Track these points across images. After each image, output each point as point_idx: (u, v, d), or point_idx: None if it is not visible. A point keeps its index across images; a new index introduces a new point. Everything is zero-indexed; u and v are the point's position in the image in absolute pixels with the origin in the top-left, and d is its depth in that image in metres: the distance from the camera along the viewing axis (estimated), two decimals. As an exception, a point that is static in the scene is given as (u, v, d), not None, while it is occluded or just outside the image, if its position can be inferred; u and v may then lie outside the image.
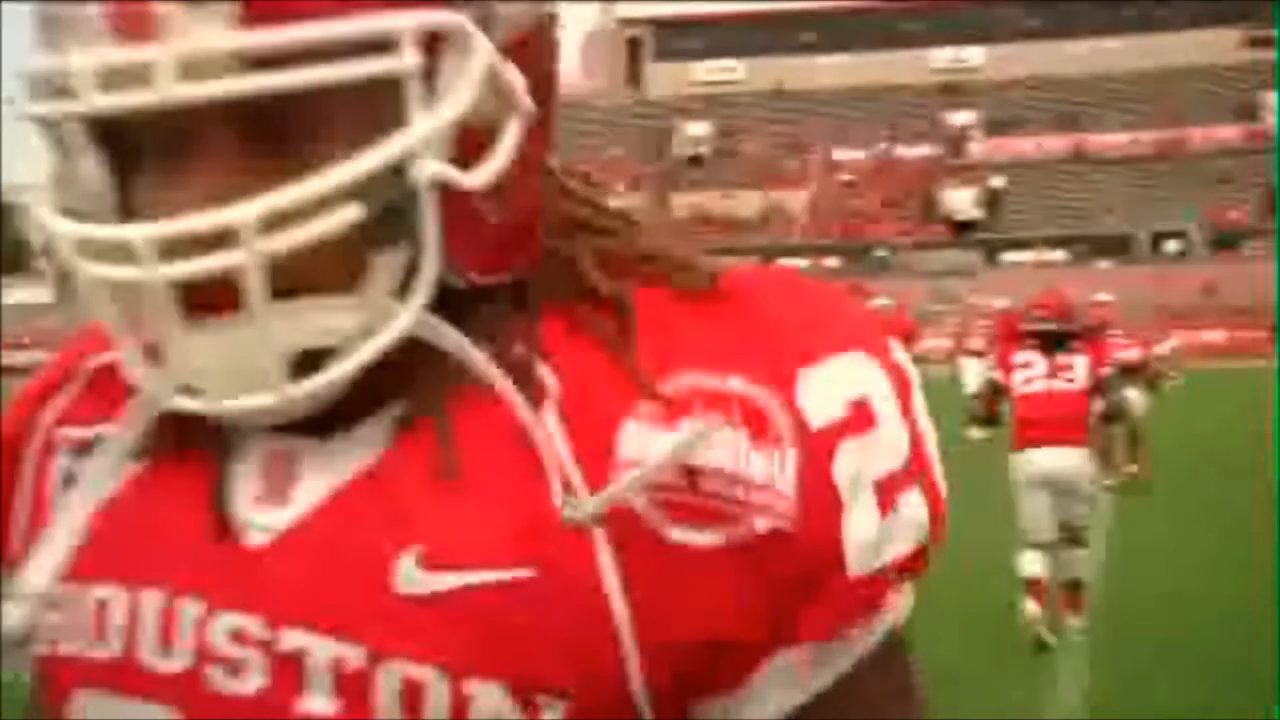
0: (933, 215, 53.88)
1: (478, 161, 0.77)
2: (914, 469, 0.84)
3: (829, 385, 0.81)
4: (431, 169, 0.74)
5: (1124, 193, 51.22)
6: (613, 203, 0.90)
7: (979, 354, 16.72)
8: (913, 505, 0.84)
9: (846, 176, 56.83)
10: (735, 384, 0.79)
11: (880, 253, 49.67)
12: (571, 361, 0.80)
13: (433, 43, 0.74)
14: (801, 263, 50.69)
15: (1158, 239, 48.12)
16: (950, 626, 6.90)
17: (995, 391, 7.51)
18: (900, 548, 0.83)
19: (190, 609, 0.79)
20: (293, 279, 0.73)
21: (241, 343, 0.74)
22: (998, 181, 54.53)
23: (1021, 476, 7.11)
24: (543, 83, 0.82)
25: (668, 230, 0.89)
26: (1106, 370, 7.40)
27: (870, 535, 0.81)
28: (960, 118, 59.95)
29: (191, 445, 0.83)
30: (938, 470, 0.87)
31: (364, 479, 0.79)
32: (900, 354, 0.88)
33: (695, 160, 60.05)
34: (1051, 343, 7.28)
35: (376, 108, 0.74)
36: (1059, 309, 7.52)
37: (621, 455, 0.77)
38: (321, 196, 0.72)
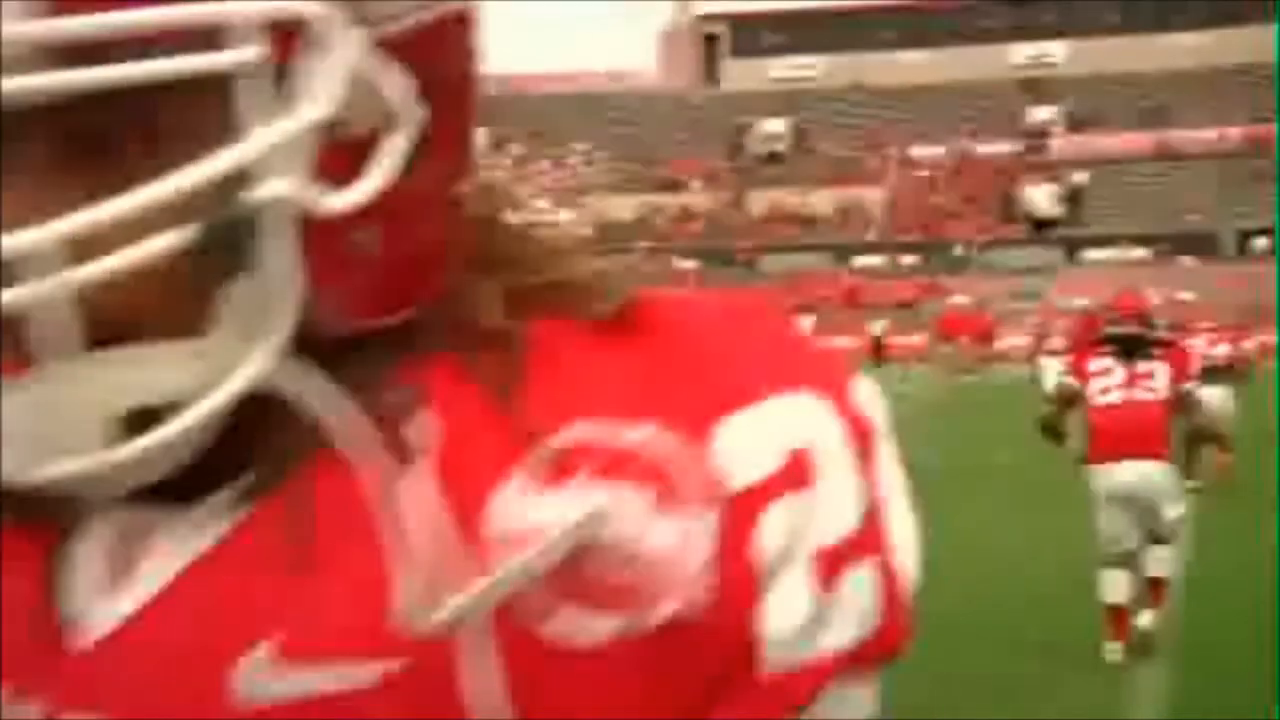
0: (1012, 213, 53.27)
1: (352, 182, 0.66)
2: (867, 539, 0.70)
3: (760, 433, 0.68)
4: (275, 188, 0.63)
5: (1209, 190, 50.30)
6: (541, 219, 0.76)
7: (1059, 354, 16.51)
8: (860, 585, 0.69)
9: (925, 173, 56.34)
10: (641, 435, 0.67)
11: (958, 250, 49.19)
12: (456, 413, 0.68)
13: (288, 37, 0.63)
14: (879, 260, 50.42)
15: (1244, 237, 47.22)
16: (1027, 641, 6.84)
17: (1069, 400, 7.11)
18: (840, 636, 0.69)
19: (33, 712, 0.68)
20: (114, 321, 0.63)
21: (48, 401, 0.62)
22: (1079, 178, 53.81)
23: (1099, 492, 6.77)
24: (446, 88, 0.70)
25: (589, 250, 0.78)
26: (1190, 384, 6.98)
27: (798, 620, 0.67)
28: (1041, 114, 59.20)
29: (28, 518, 0.70)
30: (904, 543, 0.73)
31: (211, 559, 0.68)
32: (866, 396, 0.74)
33: (772, 157, 59.83)
34: (1130, 349, 6.90)
35: (221, 114, 0.63)
36: (1137, 311, 7.15)
37: (492, 528, 0.65)
38: (140, 218, 0.61)
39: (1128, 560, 6.69)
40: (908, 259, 49.69)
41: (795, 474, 0.68)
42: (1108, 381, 6.86)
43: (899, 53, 63.24)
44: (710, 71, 66.65)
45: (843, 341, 43.29)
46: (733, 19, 65.94)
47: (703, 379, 0.69)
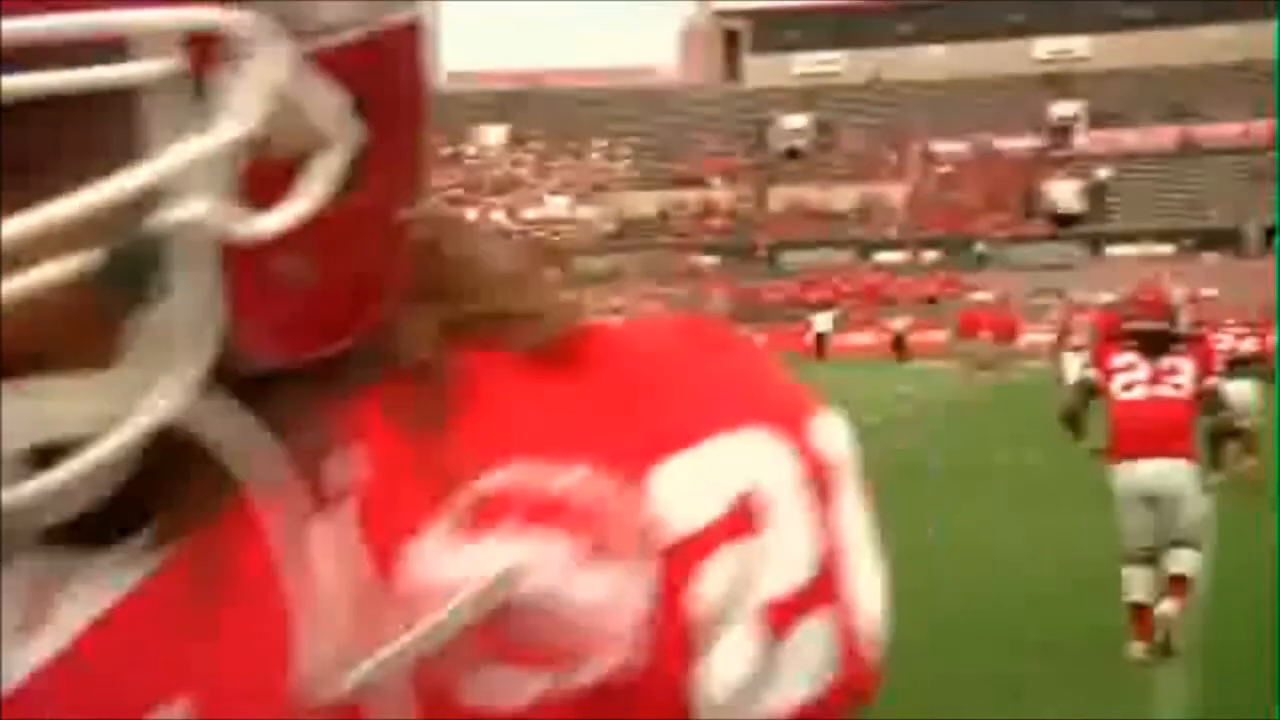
0: (1035, 208, 53.06)
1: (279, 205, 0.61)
2: (822, 589, 0.65)
3: (703, 475, 0.63)
4: (189, 210, 0.58)
5: (1234, 185, 50.00)
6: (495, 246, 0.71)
7: (1081, 350, 16.43)
8: (814, 637, 0.64)
9: (947, 169, 56.16)
10: (572, 478, 0.62)
11: (980, 247, 49.02)
12: (381, 454, 0.63)
13: (206, 48, 0.59)
14: (900, 256, 50.30)
15: (1269, 232, 46.92)
16: (1045, 640, 6.79)
17: (1089, 393, 6.92)
18: (790, 694, 0.64)
19: None
20: (14, 352, 0.58)
21: None
22: (1102, 174, 53.57)
23: (1122, 490, 6.61)
24: (390, 106, 0.65)
25: (538, 272, 0.72)
26: (1213, 380, 6.84)
27: (741, 678, 0.62)
28: (1064, 109, 58.96)
29: None
30: (868, 590, 0.67)
31: (118, 613, 0.63)
32: (829, 433, 0.68)
33: (793, 153, 59.73)
34: (1154, 345, 6.69)
35: (131, 131, 0.58)
36: (1159, 306, 6.94)
37: (411, 581, 0.60)
38: (41, 242, 0.56)
39: (1150, 558, 6.55)
40: (929, 255, 49.55)
41: (741, 520, 0.63)
42: (1131, 377, 6.67)
43: (922, 48, 63.04)
44: (731, 67, 66.57)
45: (864, 338, 43.31)
46: (753, 15, 65.83)
47: (644, 416, 0.64)
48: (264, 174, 0.60)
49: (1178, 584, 6.52)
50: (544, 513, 0.61)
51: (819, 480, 0.66)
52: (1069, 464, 9.73)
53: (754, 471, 0.64)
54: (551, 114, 63.98)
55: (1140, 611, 6.49)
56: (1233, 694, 5.72)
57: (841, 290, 47.29)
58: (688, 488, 0.62)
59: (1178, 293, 7.50)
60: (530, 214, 57.53)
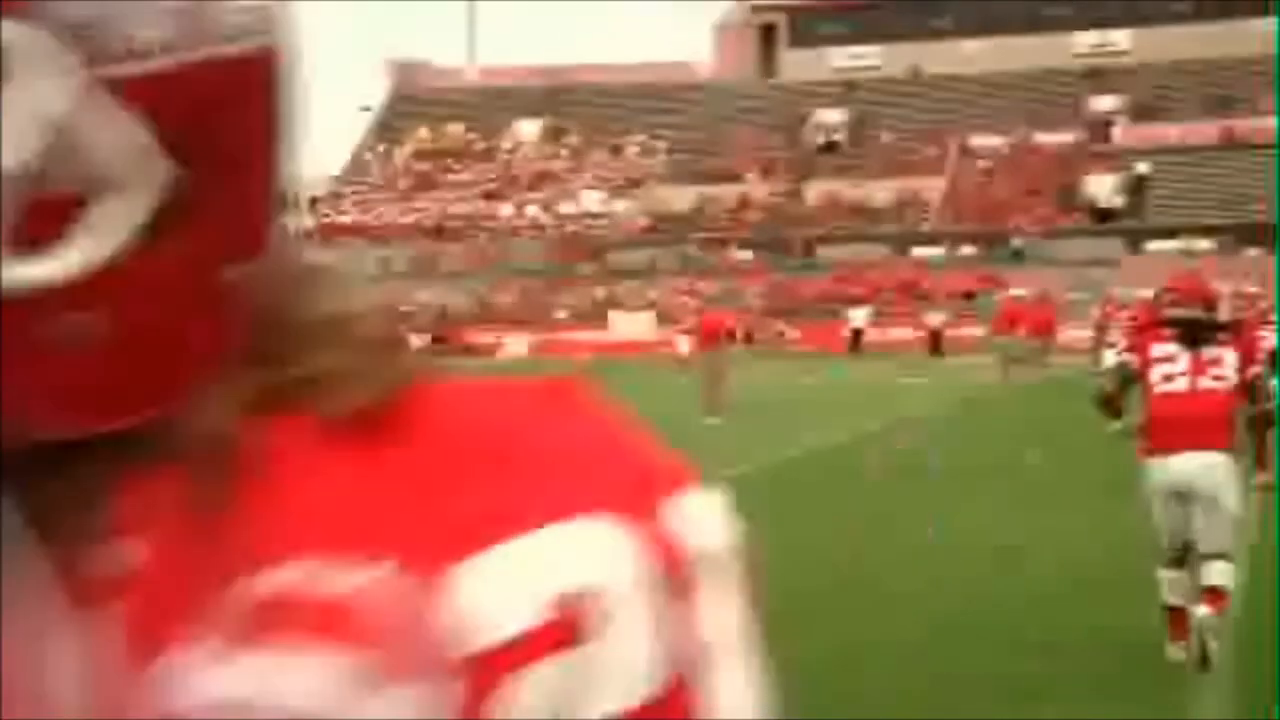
0: (1073, 203, 52.62)
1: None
2: (672, 702, 0.56)
3: (522, 573, 0.55)
4: None
5: (1275, 179, 49.37)
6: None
7: (1116, 345, 16.20)
8: None
9: (985, 163, 55.76)
10: (364, 577, 0.54)
11: (1018, 242, 48.64)
12: (159, 546, 0.56)
13: None
14: (937, 251, 49.98)
15: (1312, 227, 46.38)
16: (1078, 641, 6.64)
17: (1127, 379, 6.56)
18: None
19: None
20: None
21: None
22: (1142, 168, 53.06)
23: (1157, 486, 6.30)
24: (217, 148, 0.56)
25: (387, 329, 0.62)
26: (1258, 369, 6.49)
27: None
28: (1104, 103, 58.43)
29: None
30: (733, 698, 0.58)
31: None
32: (697, 517, 0.59)
33: (829, 148, 59.45)
34: (1195, 334, 6.36)
35: None
36: (1201, 293, 6.58)
37: (167, 701, 0.53)
38: None
39: (1185, 557, 6.29)
40: (966, 250, 49.21)
41: (565, 627, 0.54)
42: (1171, 368, 6.35)
43: (960, 41, 62.61)
44: (768, 62, 66.32)
45: (900, 334, 43.08)
46: (790, 9, 65.55)
47: (458, 499, 0.56)
48: (43, 215, 0.52)
49: (1215, 594, 6.22)
50: (327, 621, 0.53)
51: (674, 576, 0.57)
52: (1108, 459, 9.56)
53: (585, 568, 0.55)
54: (587, 109, 63.91)
55: (1175, 613, 6.33)
56: (1261, 698, 5.57)
57: (878, 286, 47.04)
58: (500, 588, 0.54)
59: (1217, 284, 7.17)
60: (565, 209, 57.49)
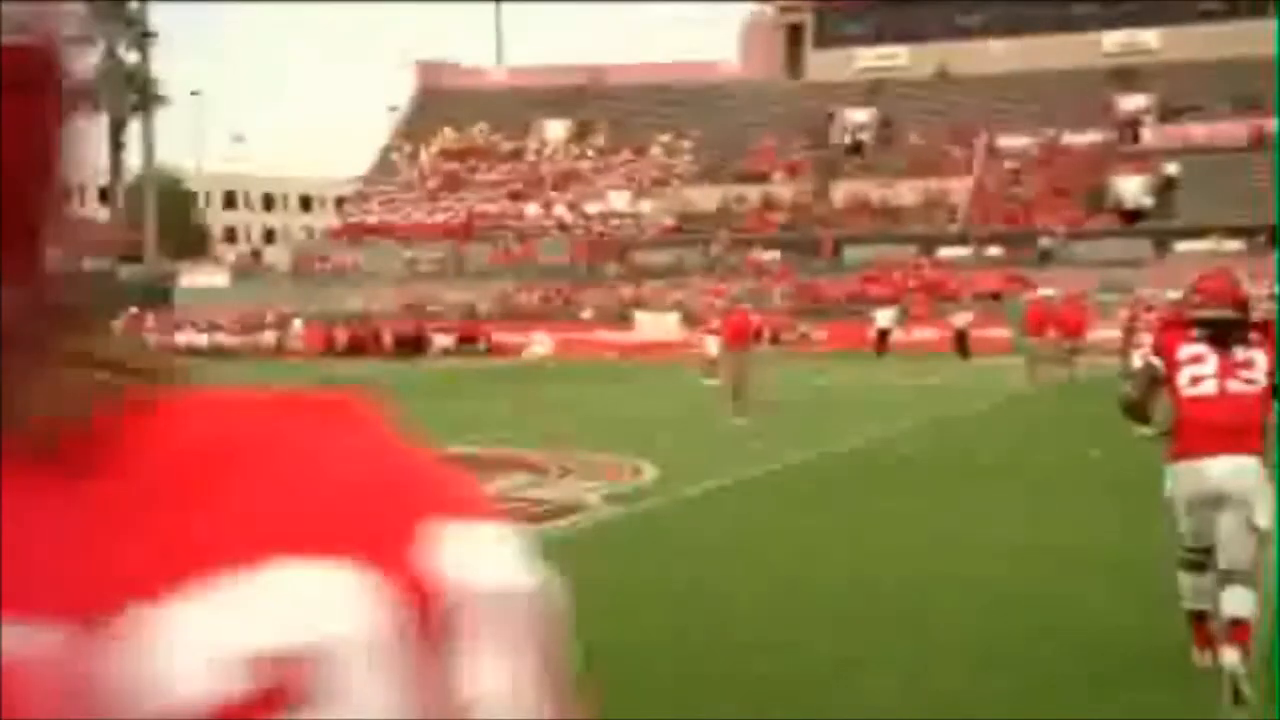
0: (1101, 204, 52.35)
1: None
2: None
3: (209, 630, 0.46)
4: None
5: (1274, 180, 49.04)
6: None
7: (1142, 347, 16.10)
8: None
9: (1012, 164, 55.53)
10: (21, 636, 0.45)
11: (1045, 242, 48.42)
12: None
13: None
14: (964, 252, 49.80)
15: (1342, 228, 46.01)
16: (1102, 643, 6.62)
17: (1153, 383, 6.29)
18: None
19: None
20: None
21: None
22: (1171, 168, 52.74)
23: (1182, 492, 6.11)
24: None
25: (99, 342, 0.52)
26: None
27: None
28: (1133, 103, 58.12)
29: None
30: None
31: None
32: (476, 553, 0.51)
33: (856, 148, 59.31)
34: (1224, 335, 6.10)
35: None
36: (1231, 293, 6.26)
37: None
38: None
39: (1207, 562, 6.07)
40: (993, 250, 49.02)
41: (276, 691, 0.45)
42: (1199, 370, 6.09)
43: (987, 41, 62.38)
44: (794, 62, 66.20)
45: (927, 334, 42.94)
46: (816, 9, 65.43)
47: (144, 539, 0.47)
48: None
49: (1238, 629, 5.87)
50: None
51: (430, 625, 0.48)
52: (1135, 461, 9.53)
53: (302, 621, 0.46)
54: (613, 109, 63.93)
55: (1199, 619, 6.20)
56: None
57: (904, 286, 46.91)
58: (186, 646, 0.45)
59: (1245, 281, 6.86)
60: (591, 209, 57.52)
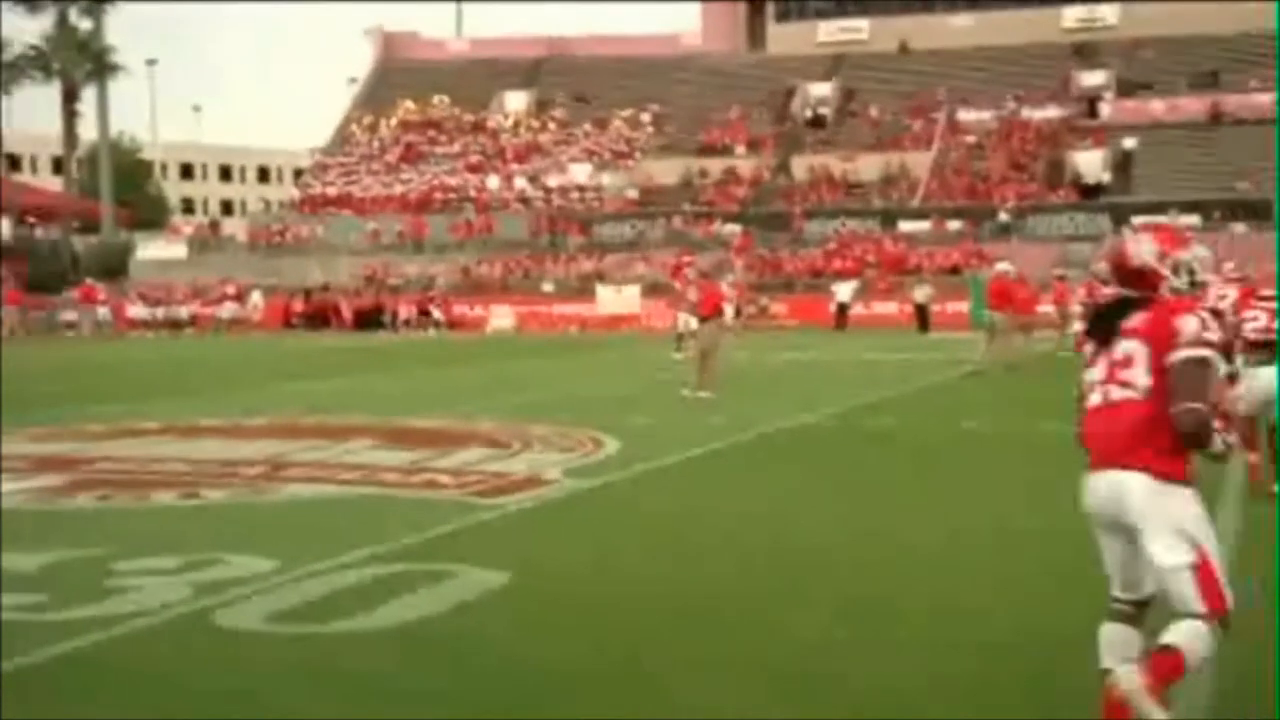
0: (1060, 178, 52.60)
1: None
2: None
3: None
4: None
5: (1263, 156, 49.44)
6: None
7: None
8: None
9: (972, 138, 55.68)
10: None
11: (1004, 216, 48.64)
12: None
13: None
14: (924, 226, 49.91)
15: (1299, 203, 46.41)
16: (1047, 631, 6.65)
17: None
18: None
19: None
20: None
21: None
22: (1129, 143, 53.04)
23: (1089, 513, 4.68)
24: None
25: None
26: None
27: None
28: (1092, 78, 58.36)
29: None
30: None
31: None
32: None
33: (817, 122, 59.31)
34: (1110, 326, 4.68)
35: None
36: (1119, 263, 4.77)
37: None
38: None
39: (1129, 614, 4.68)
40: (953, 224, 49.20)
41: None
42: (1092, 375, 4.73)
43: (948, 16, 62.45)
44: (755, 35, 66.07)
45: (887, 308, 43.04)
46: (778, -19, 65.27)
47: None
48: None
49: (1160, 656, 4.39)
50: None
51: None
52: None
53: None
54: (575, 81, 63.64)
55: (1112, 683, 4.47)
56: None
57: (864, 260, 47.01)
58: None
59: (1146, 249, 4.76)
60: (553, 181, 57.31)
